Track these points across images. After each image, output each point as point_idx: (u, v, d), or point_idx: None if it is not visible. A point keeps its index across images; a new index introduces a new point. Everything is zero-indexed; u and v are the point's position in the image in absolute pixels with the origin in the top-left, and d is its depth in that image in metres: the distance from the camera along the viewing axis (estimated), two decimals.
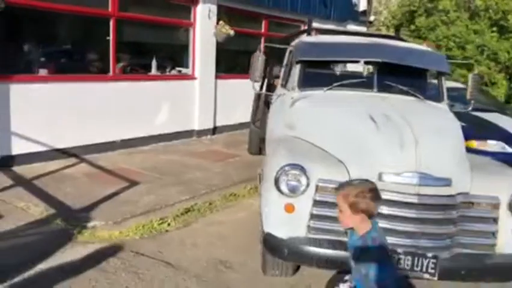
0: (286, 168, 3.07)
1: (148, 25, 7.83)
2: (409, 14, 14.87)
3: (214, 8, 8.50)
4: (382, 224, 2.93)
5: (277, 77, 5.42)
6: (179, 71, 8.64)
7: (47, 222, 4.25)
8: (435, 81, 4.64)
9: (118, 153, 6.92)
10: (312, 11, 11.02)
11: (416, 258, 2.87)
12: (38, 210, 4.45)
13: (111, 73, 7.03)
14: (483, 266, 3.03)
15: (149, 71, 7.97)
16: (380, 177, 2.98)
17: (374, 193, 1.98)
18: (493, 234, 3.10)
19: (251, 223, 4.28)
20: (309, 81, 4.37)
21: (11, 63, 5.88)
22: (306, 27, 6.50)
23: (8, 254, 3.62)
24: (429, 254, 2.89)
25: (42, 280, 3.32)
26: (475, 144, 6.24)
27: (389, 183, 2.96)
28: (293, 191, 3.04)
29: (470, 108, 4.70)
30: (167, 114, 7.96)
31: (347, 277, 2.45)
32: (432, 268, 2.88)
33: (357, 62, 4.34)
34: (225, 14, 8.72)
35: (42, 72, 6.29)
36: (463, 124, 6.56)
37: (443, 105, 4.34)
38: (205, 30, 8.44)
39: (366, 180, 1.98)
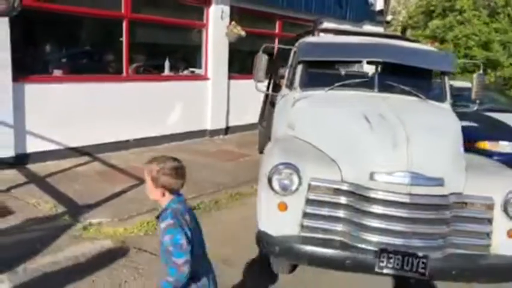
0: (280, 167, 3.11)
1: (161, 26, 7.96)
2: (426, 15, 14.66)
3: (226, 9, 8.59)
4: (374, 223, 2.97)
5: (283, 77, 5.45)
6: (192, 72, 8.74)
7: (55, 218, 4.39)
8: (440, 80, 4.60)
9: (131, 152, 7.06)
10: (327, 11, 11.02)
11: (406, 258, 2.88)
12: (47, 206, 4.60)
13: (124, 74, 7.17)
14: (476, 267, 3.01)
15: (162, 71, 8.09)
16: (371, 177, 3.00)
17: (175, 171, 2.09)
18: (488, 235, 3.08)
19: (255, 222, 4.31)
20: (310, 81, 4.40)
21: (27, 65, 6.06)
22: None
23: (13, 247, 3.76)
24: (420, 254, 2.88)
25: (44, 274, 3.44)
26: (487, 145, 6.16)
27: (381, 182, 2.98)
28: (286, 189, 3.09)
29: (475, 108, 4.64)
30: (180, 114, 8.07)
31: None
32: (422, 268, 2.87)
33: (358, 62, 4.35)
34: (237, 14, 8.79)
35: (57, 73, 6.47)
36: (475, 125, 6.57)
37: (446, 105, 4.30)
38: (217, 31, 8.53)
39: (175, 159, 2.09)
